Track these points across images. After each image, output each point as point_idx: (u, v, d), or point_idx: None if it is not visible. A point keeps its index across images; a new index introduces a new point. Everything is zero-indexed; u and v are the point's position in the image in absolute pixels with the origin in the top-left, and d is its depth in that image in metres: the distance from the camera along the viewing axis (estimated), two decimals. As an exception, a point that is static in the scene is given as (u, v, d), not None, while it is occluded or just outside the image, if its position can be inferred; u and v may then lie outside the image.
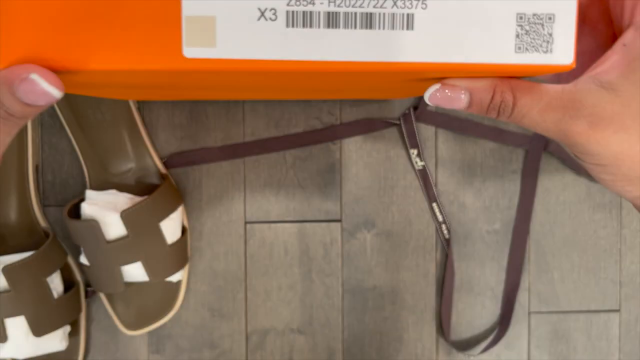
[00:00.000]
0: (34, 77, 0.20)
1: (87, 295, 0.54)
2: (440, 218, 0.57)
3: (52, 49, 0.21)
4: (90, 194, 0.51)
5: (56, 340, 0.51)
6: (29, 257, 0.48)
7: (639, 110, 0.23)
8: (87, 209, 0.49)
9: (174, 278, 0.53)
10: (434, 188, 0.57)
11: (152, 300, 0.54)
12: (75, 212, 0.51)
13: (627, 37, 0.24)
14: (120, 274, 0.51)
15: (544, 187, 0.57)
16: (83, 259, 0.51)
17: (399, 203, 0.57)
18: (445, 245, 0.57)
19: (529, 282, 0.58)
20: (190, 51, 0.21)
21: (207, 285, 0.56)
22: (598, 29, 0.28)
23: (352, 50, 0.21)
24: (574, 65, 0.22)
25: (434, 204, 0.57)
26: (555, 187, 0.58)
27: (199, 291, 0.56)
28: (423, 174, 0.56)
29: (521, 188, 0.57)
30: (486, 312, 0.58)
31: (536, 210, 0.58)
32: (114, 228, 0.49)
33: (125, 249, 0.50)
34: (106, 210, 0.49)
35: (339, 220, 0.57)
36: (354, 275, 0.57)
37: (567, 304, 0.59)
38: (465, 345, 0.58)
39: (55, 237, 0.52)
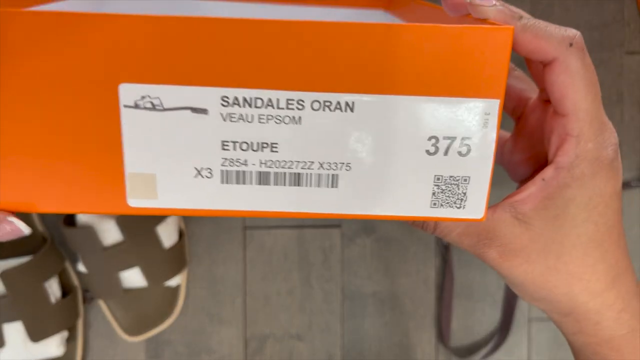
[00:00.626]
0: (11, 219, 0.23)
1: (85, 300, 0.54)
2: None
3: (7, 195, 0.23)
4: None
5: (53, 346, 0.50)
6: (26, 262, 0.48)
7: (544, 246, 0.25)
8: (82, 215, 0.49)
9: (172, 282, 0.53)
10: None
11: (152, 306, 0.53)
12: (70, 220, 0.51)
13: (547, 173, 0.25)
14: (118, 280, 0.51)
15: (544, 193, 0.57)
16: (81, 267, 0.51)
17: (398, 208, 0.57)
18: (445, 251, 0.57)
19: (529, 289, 0.58)
20: (134, 202, 0.23)
21: (205, 290, 0.56)
22: (536, 137, 0.30)
23: (280, 203, 0.24)
24: (484, 219, 0.24)
25: (434, 210, 0.56)
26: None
27: (198, 296, 0.56)
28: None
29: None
30: (486, 319, 0.58)
31: (536, 216, 0.57)
32: (110, 234, 0.49)
33: (122, 255, 0.49)
34: (101, 217, 0.49)
35: (339, 226, 0.56)
36: (354, 280, 0.57)
37: (567, 311, 0.58)
38: (465, 351, 0.58)
39: (53, 241, 0.52)
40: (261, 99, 0.22)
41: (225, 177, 0.23)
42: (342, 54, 0.22)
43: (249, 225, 0.56)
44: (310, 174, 0.24)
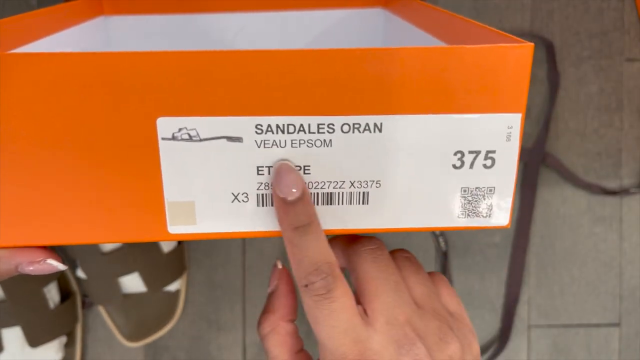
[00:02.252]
0: (51, 262, 0.24)
1: (84, 305, 0.54)
2: (437, 231, 0.56)
3: (52, 230, 0.24)
4: None
5: (52, 351, 0.50)
6: (25, 268, 0.48)
7: None
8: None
9: (172, 287, 0.53)
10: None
11: (151, 311, 0.53)
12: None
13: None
14: (117, 286, 0.50)
15: (543, 200, 0.57)
16: (80, 273, 0.51)
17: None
18: (443, 258, 0.57)
19: (529, 296, 0.58)
20: (174, 229, 0.24)
21: (204, 296, 0.56)
22: None
23: None
24: (509, 226, 0.26)
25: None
26: (555, 200, 0.57)
27: (197, 302, 0.56)
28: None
29: (520, 201, 0.57)
30: (486, 326, 0.58)
31: (536, 223, 0.57)
32: (110, 239, 0.49)
33: (121, 260, 0.49)
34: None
35: (338, 232, 0.56)
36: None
37: (567, 318, 0.58)
38: (464, 358, 0.58)
39: (53, 246, 0.52)
40: (293, 125, 0.23)
41: (261, 200, 0.24)
42: (369, 78, 0.23)
43: (248, 230, 0.56)
44: (342, 192, 0.25)
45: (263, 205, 0.24)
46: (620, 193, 0.57)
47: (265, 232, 0.25)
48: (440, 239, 0.56)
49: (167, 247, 0.52)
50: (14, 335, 0.48)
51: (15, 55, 0.22)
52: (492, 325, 0.58)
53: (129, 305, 0.52)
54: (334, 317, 0.24)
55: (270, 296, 0.28)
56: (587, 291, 0.58)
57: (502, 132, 0.24)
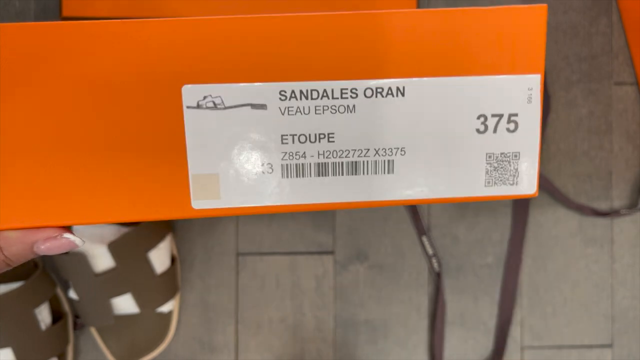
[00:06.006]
0: (67, 236, 0.23)
1: (76, 326, 0.54)
2: (430, 251, 0.57)
3: (70, 210, 0.23)
4: (76, 226, 0.50)
5: (43, 374, 0.50)
6: (17, 288, 0.48)
7: None
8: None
9: (165, 308, 0.53)
10: (422, 221, 0.57)
11: (143, 333, 0.53)
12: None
13: None
14: (110, 307, 0.50)
15: (535, 221, 0.58)
16: (72, 294, 0.51)
17: (392, 235, 0.57)
18: (437, 279, 0.57)
19: (522, 317, 0.58)
20: (198, 203, 0.24)
21: (197, 317, 0.56)
22: None
23: (339, 194, 0.24)
24: (536, 194, 0.25)
25: (424, 237, 0.57)
26: (547, 221, 0.58)
27: (189, 323, 0.56)
28: (411, 207, 0.57)
29: (513, 222, 0.57)
30: (479, 347, 0.58)
31: (528, 244, 0.58)
32: (101, 260, 0.49)
33: (114, 281, 0.49)
34: (93, 243, 0.49)
35: (332, 253, 0.56)
36: (346, 308, 0.57)
37: (559, 339, 0.58)
38: (457, 380, 0.58)
39: (45, 267, 0.51)
40: (317, 90, 0.23)
41: (286, 171, 0.24)
42: (390, 41, 0.23)
43: (241, 251, 0.56)
44: (367, 161, 0.24)
45: (288, 177, 0.24)
46: (611, 214, 0.57)
47: (290, 205, 0.24)
48: (434, 260, 0.57)
49: (160, 268, 0.51)
50: (5, 357, 0.48)
51: (43, 25, 0.22)
52: (485, 346, 0.58)
53: (121, 326, 0.52)
54: None
55: None
56: (579, 312, 0.58)
57: (523, 94, 0.24)
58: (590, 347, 0.58)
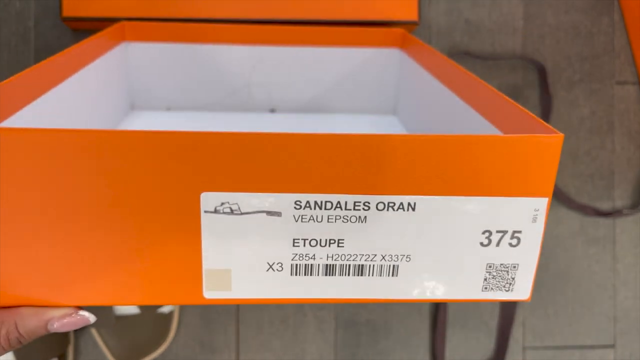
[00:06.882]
0: (83, 313, 0.25)
1: (76, 327, 0.54)
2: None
3: (86, 293, 0.25)
4: None
5: (43, 374, 0.50)
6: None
7: None
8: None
9: (165, 309, 0.53)
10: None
11: (144, 333, 0.53)
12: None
13: None
14: (111, 307, 0.50)
15: (537, 221, 0.57)
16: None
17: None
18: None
19: (524, 317, 0.58)
20: (210, 294, 0.25)
21: (198, 318, 0.56)
22: None
23: (344, 291, 0.26)
24: (529, 300, 0.27)
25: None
26: (549, 222, 0.58)
27: (190, 324, 0.56)
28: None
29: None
30: (481, 347, 0.58)
31: (530, 244, 0.58)
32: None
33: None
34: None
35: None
36: (347, 308, 0.56)
37: (561, 339, 0.58)
38: (459, 380, 0.58)
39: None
40: (331, 202, 0.24)
41: (295, 270, 0.25)
42: (406, 162, 0.24)
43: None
44: (373, 265, 0.25)
45: (296, 275, 0.25)
46: (613, 214, 0.57)
47: (298, 299, 0.26)
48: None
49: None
50: (5, 357, 0.48)
51: (67, 132, 0.23)
52: (487, 347, 0.58)
53: (121, 327, 0.52)
54: None
55: None
56: (581, 312, 0.58)
57: (528, 214, 0.25)
58: (593, 347, 0.58)
